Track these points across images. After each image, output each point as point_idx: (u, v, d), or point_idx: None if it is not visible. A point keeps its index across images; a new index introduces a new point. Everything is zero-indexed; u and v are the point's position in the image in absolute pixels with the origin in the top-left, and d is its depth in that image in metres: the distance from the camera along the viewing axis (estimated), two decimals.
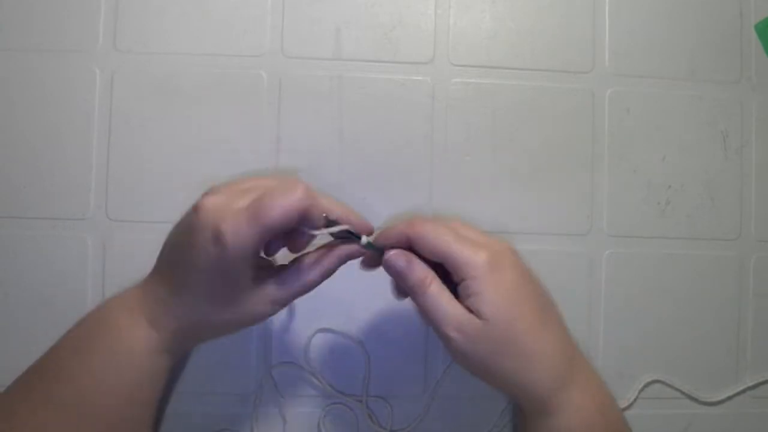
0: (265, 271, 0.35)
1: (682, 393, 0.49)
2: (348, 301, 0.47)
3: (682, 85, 0.50)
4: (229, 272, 0.33)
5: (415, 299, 0.36)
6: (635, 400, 0.49)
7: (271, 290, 0.35)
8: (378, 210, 0.48)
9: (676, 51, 0.50)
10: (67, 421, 0.35)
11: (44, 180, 0.47)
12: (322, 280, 0.36)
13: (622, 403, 0.48)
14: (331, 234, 0.34)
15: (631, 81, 0.50)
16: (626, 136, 0.50)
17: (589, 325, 0.49)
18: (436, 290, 0.35)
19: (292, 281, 0.35)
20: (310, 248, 0.37)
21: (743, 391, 0.49)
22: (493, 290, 0.34)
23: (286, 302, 0.35)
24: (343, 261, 0.36)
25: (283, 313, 0.47)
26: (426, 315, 0.35)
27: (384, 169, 0.48)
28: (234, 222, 0.31)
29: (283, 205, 0.31)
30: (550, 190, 0.49)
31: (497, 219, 0.49)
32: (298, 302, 0.47)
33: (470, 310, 0.34)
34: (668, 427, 0.49)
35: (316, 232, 0.33)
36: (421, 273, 0.35)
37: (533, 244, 0.48)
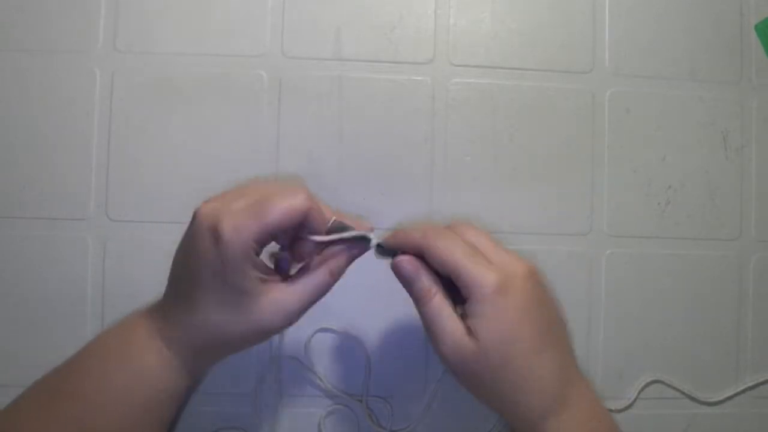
0: (273, 279, 0.35)
1: (682, 393, 0.49)
2: (348, 301, 0.47)
3: (682, 85, 0.50)
4: (230, 273, 0.32)
5: (417, 308, 0.36)
6: (635, 400, 0.49)
7: (279, 297, 0.34)
8: (378, 210, 0.48)
9: (676, 51, 0.50)
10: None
11: (44, 180, 0.47)
12: (333, 281, 0.35)
13: (622, 403, 0.48)
14: (338, 240, 0.34)
15: (631, 81, 0.50)
16: (626, 136, 0.50)
17: (589, 325, 0.49)
18: (438, 304, 0.35)
19: (301, 284, 0.34)
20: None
21: (743, 391, 0.49)
22: (493, 315, 0.33)
23: (296, 310, 0.34)
24: (349, 259, 0.36)
25: None
26: (425, 326, 0.35)
27: (384, 169, 0.48)
28: (232, 220, 0.31)
29: (285, 205, 0.31)
30: (550, 190, 0.49)
31: (497, 219, 0.49)
32: None
33: (469, 330, 0.34)
34: (668, 427, 0.49)
35: (318, 239, 0.33)
36: (426, 283, 0.35)
37: (533, 244, 0.48)
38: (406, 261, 0.35)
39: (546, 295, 0.36)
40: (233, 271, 0.32)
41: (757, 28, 0.51)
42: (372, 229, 0.36)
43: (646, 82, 0.50)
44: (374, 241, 0.35)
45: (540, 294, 0.35)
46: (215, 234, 0.31)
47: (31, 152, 0.47)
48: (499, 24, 0.49)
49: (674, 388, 0.49)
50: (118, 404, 0.35)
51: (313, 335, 0.47)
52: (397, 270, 0.36)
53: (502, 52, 0.49)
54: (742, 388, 0.49)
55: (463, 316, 0.34)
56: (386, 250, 0.36)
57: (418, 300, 0.35)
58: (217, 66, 0.48)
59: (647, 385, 0.49)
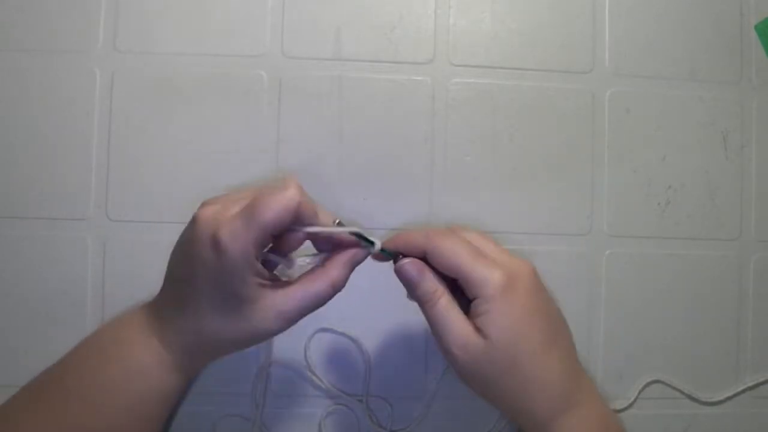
0: (270, 283, 0.34)
1: (682, 393, 0.49)
2: (348, 301, 0.47)
3: (682, 85, 0.50)
4: (230, 280, 0.32)
5: (423, 310, 0.36)
6: (635, 400, 0.49)
7: (277, 302, 0.33)
8: (378, 210, 0.48)
9: (676, 51, 0.50)
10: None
11: (44, 180, 0.47)
12: (333, 291, 0.34)
13: (622, 403, 0.48)
14: (330, 233, 0.34)
15: (631, 81, 0.50)
16: (626, 136, 0.50)
17: (589, 325, 0.49)
18: (444, 305, 0.35)
19: (301, 290, 0.34)
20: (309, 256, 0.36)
21: (743, 391, 0.49)
22: (501, 312, 0.33)
23: (293, 316, 0.34)
24: (349, 268, 0.35)
25: None
26: (432, 328, 0.35)
27: (384, 169, 0.48)
28: (230, 227, 0.31)
29: (277, 203, 0.31)
30: (550, 190, 0.49)
31: (497, 219, 0.49)
32: None
33: (477, 329, 0.34)
34: (668, 427, 0.49)
35: (310, 229, 0.33)
36: (431, 285, 0.35)
37: (533, 244, 0.48)
38: (409, 264, 0.35)
39: (548, 294, 0.37)
40: (233, 279, 0.31)
41: (757, 28, 0.51)
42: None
43: (646, 82, 0.50)
44: (378, 245, 0.35)
45: (543, 294, 0.36)
46: (215, 242, 0.31)
47: (31, 152, 0.47)
48: (499, 24, 0.49)
49: (674, 388, 0.49)
50: (110, 401, 0.35)
51: (313, 335, 0.47)
52: (400, 273, 0.36)
53: (502, 52, 0.49)
54: (742, 388, 0.49)
55: (470, 316, 0.34)
56: (387, 253, 0.36)
57: (424, 302, 0.35)
58: (217, 66, 0.48)
59: (647, 385, 0.49)
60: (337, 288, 0.34)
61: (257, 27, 0.48)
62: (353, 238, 0.34)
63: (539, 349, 0.34)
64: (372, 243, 0.35)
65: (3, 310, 0.46)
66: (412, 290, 0.35)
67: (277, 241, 0.34)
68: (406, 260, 0.35)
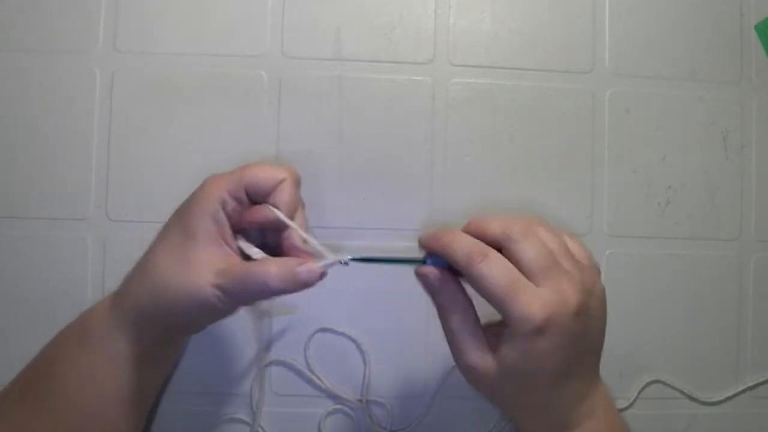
0: (228, 249, 0.34)
1: (682, 393, 0.49)
2: (348, 301, 0.47)
3: (682, 85, 0.50)
4: (189, 213, 0.34)
5: (439, 317, 0.35)
6: (635, 400, 0.49)
7: (218, 261, 0.33)
8: (378, 210, 0.48)
9: (676, 51, 0.50)
10: (44, 415, 0.35)
11: (44, 180, 0.47)
12: (269, 280, 0.32)
13: (622, 403, 0.48)
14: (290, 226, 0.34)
15: (631, 81, 0.50)
16: (626, 136, 0.50)
17: None
18: (460, 319, 0.34)
19: (239, 263, 0.33)
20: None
21: (743, 391, 0.49)
22: (524, 350, 0.32)
23: (228, 285, 0.32)
24: (288, 273, 0.33)
25: None
26: (446, 337, 0.35)
27: (384, 169, 0.48)
28: (217, 175, 0.35)
29: (263, 167, 0.34)
30: (550, 190, 0.49)
31: None
32: (299, 302, 0.47)
33: (494, 343, 0.33)
34: (668, 427, 0.49)
35: (277, 213, 0.33)
36: (444, 301, 0.34)
37: None
38: (428, 274, 0.34)
39: (593, 322, 0.34)
40: (193, 212, 0.34)
41: (757, 28, 0.51)
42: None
43: (646, 82, 0.50)
44: (345, 258, 0.34)
45: (585, 326, 0.33)
46: (201, 184, 0.35)
47: (31, 152, 0.47)
48: (499, 24, 0.49)
49: (674, 388, 0.49)
50: (75, 379, 0.35)
51: (313, 335, 0.47)
52: (420, 280, 0.35)
53: (502, 52, 0.49)
54: (742, 388, 0.49)
55: (495, 331, 0.34)
56: (420, 261, 0.35)
57: (439, 312, 0.35)
58: (217, 66, 0.48)
59: (647, 385, 0.49)
60: (272, 283, 0.32)
61: (257, 27, 0.48)
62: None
63: (552, 382, 0.33)
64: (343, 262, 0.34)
65: (3, 310, 0.46)
66: (430, 296, 0.35)
67: (248, 212, 0.35)
68: (427, 270, 0.34)
